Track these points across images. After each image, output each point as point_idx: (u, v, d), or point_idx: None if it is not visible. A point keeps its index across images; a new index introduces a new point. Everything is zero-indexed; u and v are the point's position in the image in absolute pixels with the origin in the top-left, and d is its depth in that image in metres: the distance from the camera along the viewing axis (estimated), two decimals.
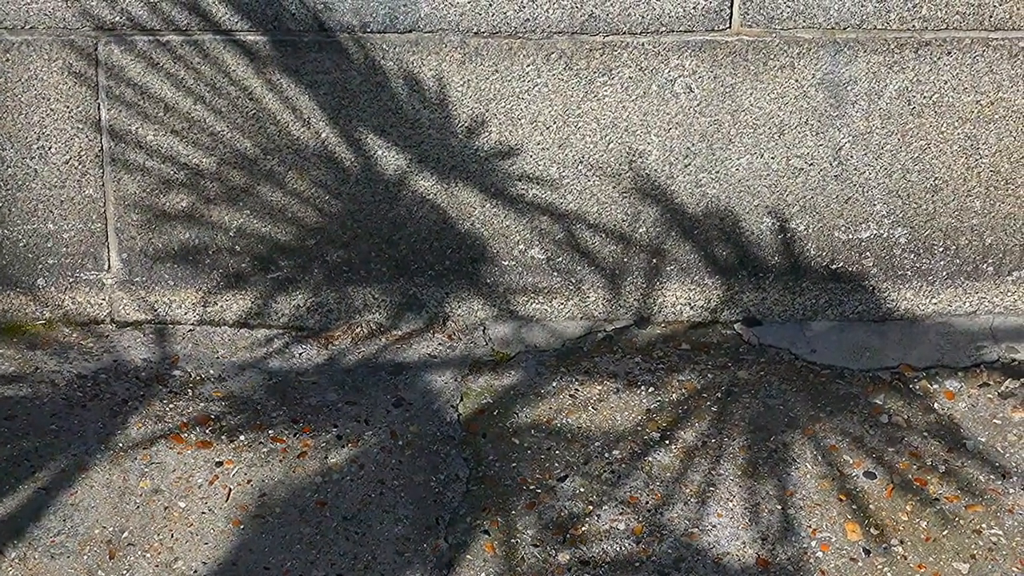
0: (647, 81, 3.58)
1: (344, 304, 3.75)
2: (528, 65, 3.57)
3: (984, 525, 3.13)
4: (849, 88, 3.60)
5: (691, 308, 3.78)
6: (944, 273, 3.76)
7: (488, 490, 3.21)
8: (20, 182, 3.63)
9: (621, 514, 3.14)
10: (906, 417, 3.44)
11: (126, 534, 3.07)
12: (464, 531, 3.09)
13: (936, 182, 3.68)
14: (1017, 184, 3.69)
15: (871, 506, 3.18)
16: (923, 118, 3.63)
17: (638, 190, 3.67)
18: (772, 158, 3.65)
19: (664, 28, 3.55)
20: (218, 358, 3.62)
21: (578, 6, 3.52)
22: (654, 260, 3.73)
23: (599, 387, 3.53)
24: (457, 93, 3.58)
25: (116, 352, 3.63)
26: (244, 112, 3.58)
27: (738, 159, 3.65)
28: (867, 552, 3.06)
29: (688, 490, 3.21)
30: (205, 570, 2.99)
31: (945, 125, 3.63)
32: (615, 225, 3.70)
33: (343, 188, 3.65)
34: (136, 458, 3.27)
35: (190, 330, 3.72)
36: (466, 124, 3.61)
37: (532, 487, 3.21)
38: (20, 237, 3.67)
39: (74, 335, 3.69)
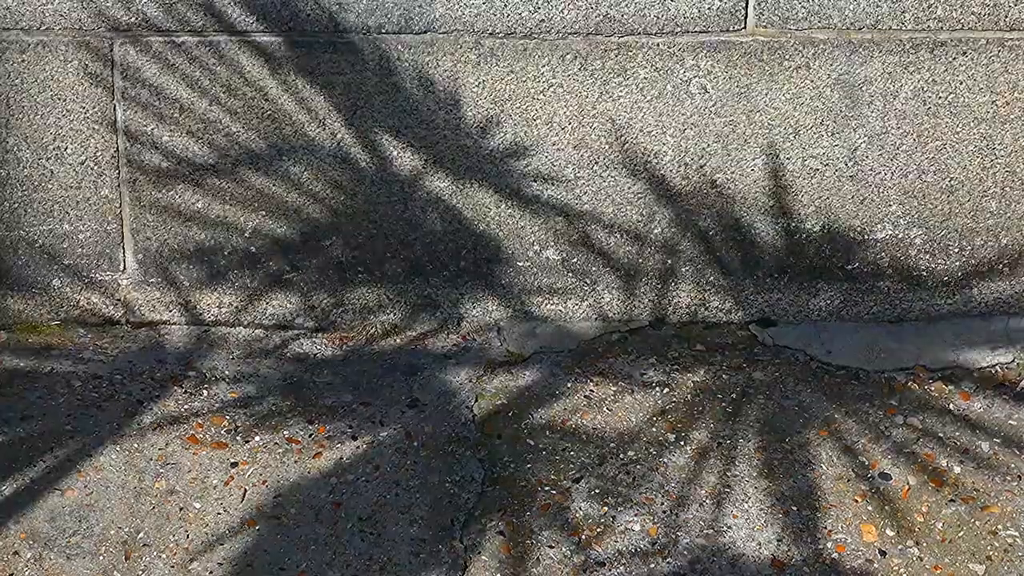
0: (662, 82, 3.58)
1: (359, 305, 3.75)
2: (543, 66, 3.57)
3: (1000, 526, 3.13)
4: (864, 88, 3.59)
5: (706, 309, 3.77)
6: (959, 273, 3.75)
7: (503, 491, 3.21)
8: (36, 183, 3.63)
9: (636, 515, 3.14)
10: (922, 418, 3.44)
11: (141, 535, 3.07)
12: (479, 532, 3.09)
13: (951, 183, 3.68)
14: None
15: (887, 507, 3.17)
16: (938, 118, 3.62)
17: (653, 191, 3.67)
18: (787, 159, 3.65)
19: (679, 29, 3.55)
20: (233, 359, 3.63)
21: (593, 7, 3.52)
22: (669, 261, 3.73)
23: (614, 388, 3.53)
24: (472, 94, 3.58)
25: (131, 353, 3.63)
26: (259, 113, 3.58)
27: (753, 160, 3.65)
28: (883, 553, 3.06)
29: (703, 491, 3.21)
30: (220, 571, 2.99)
31: (960, 125, 3.63)
32: (630, 226, 3.70)
33: (358, 189, 3.65)
34: (151, 459, 3.27)
35: (205, 331, 3.73)
36: (481, 125, 3.61)
37: (547, 488, 3.21)
38: (36, 238, 3.68)
39: (89, 336, 3.69)
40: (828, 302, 3.76)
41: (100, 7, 3.50)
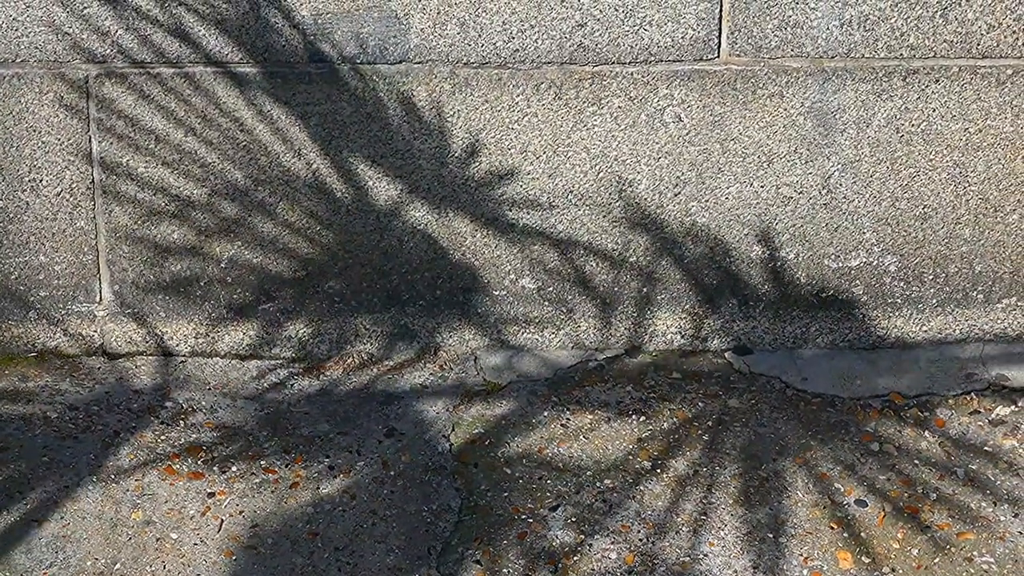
0: (636, 111, 3.60)
1: (335, 335, 3.75)
2: (518, 95, 3.58)
3: (975, 552, 3.13)
4: (838, 116, 3.61)
5: (682, 336, 3.78)
6: (934, 300, 3.77)
7: (480, 520, 3.20)
8: (11, 215, 3.63)
9: (613, 544, 3.14)
10: (897, 444, 3.45)
11: (118, 566, 3.06)
12: (456, 561, 3.09)
13: (925, 210, 3.69)
14: (1006, 211, 3.70)
15: (863, 534, 3.18)
16: (912, 146, 3.64)
17: (628, 219, 3.68)
18: (761, 187, 3.66)
19: (653, 58, 3.56)
20: (210, 389, 3.62)
21: (567, 36, 3.53)
22: (644, 289, 3.74)
23: (590, 416, 3.53)
24: (447, 123, 3.59)
25: (108, 384, 3.63)
26: (235, 144, 3.59)
27: (727, 188, 3.66)
28: None
29: (680, 519, 3.21)
30: None
31: (934, 153, 3.64)
32: (605, 254, 3.71)
33: (334, 219, 3.66)
34: (128, 489, 3.27)
35: (182, 361, 3.72)
36: (456, 154, 3.62)
37: (524, 517, 3.21)
38: (11, 270, 3.68)
39: (66, 367, 3.69)
40: (803, 329, 3.78)
41: (75, 40, 3.50)
